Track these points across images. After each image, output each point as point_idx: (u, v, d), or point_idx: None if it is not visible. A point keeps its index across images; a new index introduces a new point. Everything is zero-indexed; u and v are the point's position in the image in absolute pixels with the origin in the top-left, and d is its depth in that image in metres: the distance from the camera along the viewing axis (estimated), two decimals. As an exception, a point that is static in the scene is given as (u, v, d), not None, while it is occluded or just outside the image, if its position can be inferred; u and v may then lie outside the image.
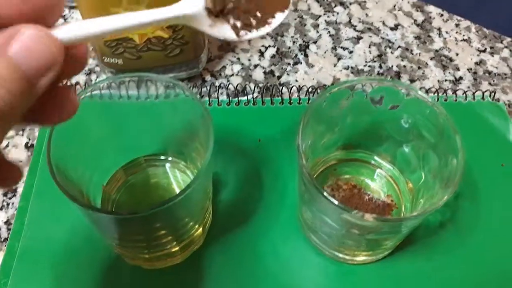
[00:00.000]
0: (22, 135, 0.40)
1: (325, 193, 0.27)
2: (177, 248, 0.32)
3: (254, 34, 0.23)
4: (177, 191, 0.36)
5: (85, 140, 0.31)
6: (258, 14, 0.23)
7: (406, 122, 0.33)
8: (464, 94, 0.42)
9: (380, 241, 0.30)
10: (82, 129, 0.31)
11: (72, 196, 0.25)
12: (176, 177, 0.36)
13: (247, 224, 0.36)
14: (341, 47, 0.46)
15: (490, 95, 0.41)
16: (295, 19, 0.48)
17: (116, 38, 0.37)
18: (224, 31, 0.23)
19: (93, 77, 0.43)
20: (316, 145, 0.33)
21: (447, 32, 0.48)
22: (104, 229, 0.30)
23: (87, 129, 0.31)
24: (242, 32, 0.23)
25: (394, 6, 0.50)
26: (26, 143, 0.39)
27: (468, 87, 0.44)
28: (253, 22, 0.23)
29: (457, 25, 0.48)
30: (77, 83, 0.42)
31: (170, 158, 0.36)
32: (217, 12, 0.22)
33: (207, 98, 0.41)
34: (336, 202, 0.26)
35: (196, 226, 0.32)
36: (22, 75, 0.17)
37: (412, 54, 0.46)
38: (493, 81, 0.44)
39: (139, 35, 0.38)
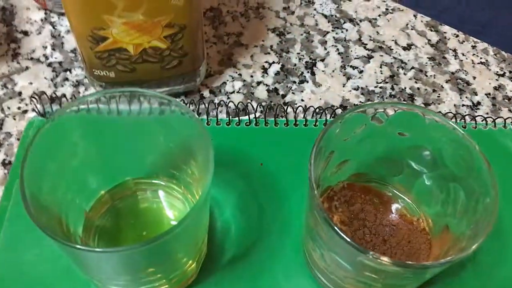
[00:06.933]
0: None
1: (339, 231, 0.23)
2: (166, 286, 0.28)
3: None
4: (169, 218, 0.32)
5: (68, 158, 0.28)
6: None
7: (427, 151, 0.29)
8: (484, 121, 0.38)
9: (399, 286, 0.27)
10: (64, 146, 0.27)
11: (46, 229, 0.22)
12: (169, 203, 0.32)
13: (245, 258, 0.32)
14: (351, 66, 0.43)
15: (512, 123, 0.38)
16: (301, 34, 0.45)
17: (108, 49, 0.34)
18: None
19: (81, 89, 0.40)
20: (327, 173, 0.30)
21: (463, 54, 0.45)
22: (81, 266, 0.26)
23: (71, 145, 0.28)
24: None
25: (407, 24, 0.47)
26: (3, 160, 0.36)
27: (487, 113, 0.41)
28: None
29: (473, 47, 0.45)
30: (64, 95, 0.38)
31: (162, 182, 0.32)
32: None
33: (205, 116, 0.38)
34: (349, 240, 0.23)
35: (190, 261, 0.28)
36: None
37: (427, 76, 0.43)
38: (514, 107, 0.41)
39: (134, 46, 0.34)
